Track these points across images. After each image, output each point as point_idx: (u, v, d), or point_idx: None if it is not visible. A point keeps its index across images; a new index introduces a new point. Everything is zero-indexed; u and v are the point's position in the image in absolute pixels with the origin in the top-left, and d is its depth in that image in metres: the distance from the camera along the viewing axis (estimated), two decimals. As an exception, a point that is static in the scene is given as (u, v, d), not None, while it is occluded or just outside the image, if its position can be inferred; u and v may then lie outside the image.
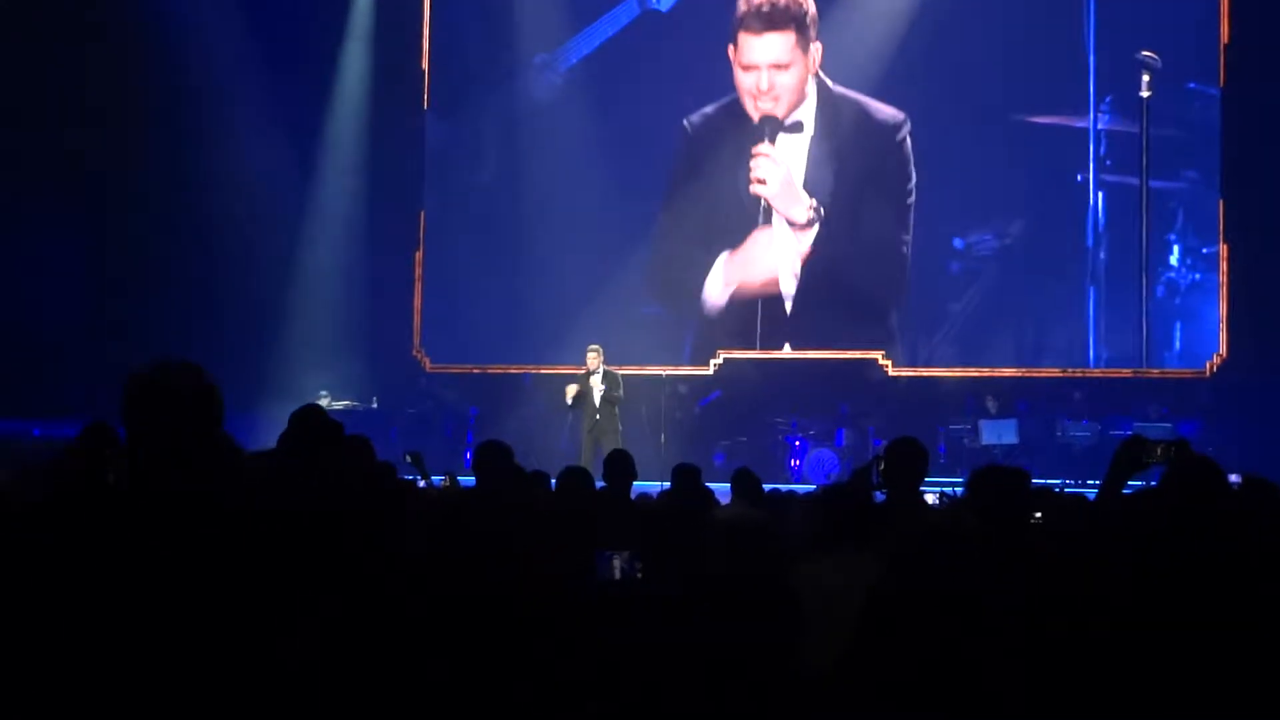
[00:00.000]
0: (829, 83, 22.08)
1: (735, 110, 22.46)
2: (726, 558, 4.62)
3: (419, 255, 23.75)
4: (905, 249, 21.95)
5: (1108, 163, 21.63)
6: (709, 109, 22.68)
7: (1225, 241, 21.09)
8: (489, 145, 23.82)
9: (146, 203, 21.96)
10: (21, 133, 20.96)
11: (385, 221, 23.42)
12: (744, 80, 22.24)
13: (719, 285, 22.41)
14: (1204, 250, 21.42)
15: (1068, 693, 3.77)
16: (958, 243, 22.08)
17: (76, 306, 21.30)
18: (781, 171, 22.01)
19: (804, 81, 22.07)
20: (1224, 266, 21.11)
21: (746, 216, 22.28)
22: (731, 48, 22.32)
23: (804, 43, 22.05)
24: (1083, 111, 21.70)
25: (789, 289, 22.16)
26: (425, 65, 23.89)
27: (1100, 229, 21.61)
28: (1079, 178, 21.71)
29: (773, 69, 22.07)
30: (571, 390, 18.68)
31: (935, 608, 3.63)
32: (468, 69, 23.90)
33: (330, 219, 23.11)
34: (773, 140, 22.06)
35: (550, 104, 23.43)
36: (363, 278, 23.18)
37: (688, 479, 9.00)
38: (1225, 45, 21.17)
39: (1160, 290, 21.45)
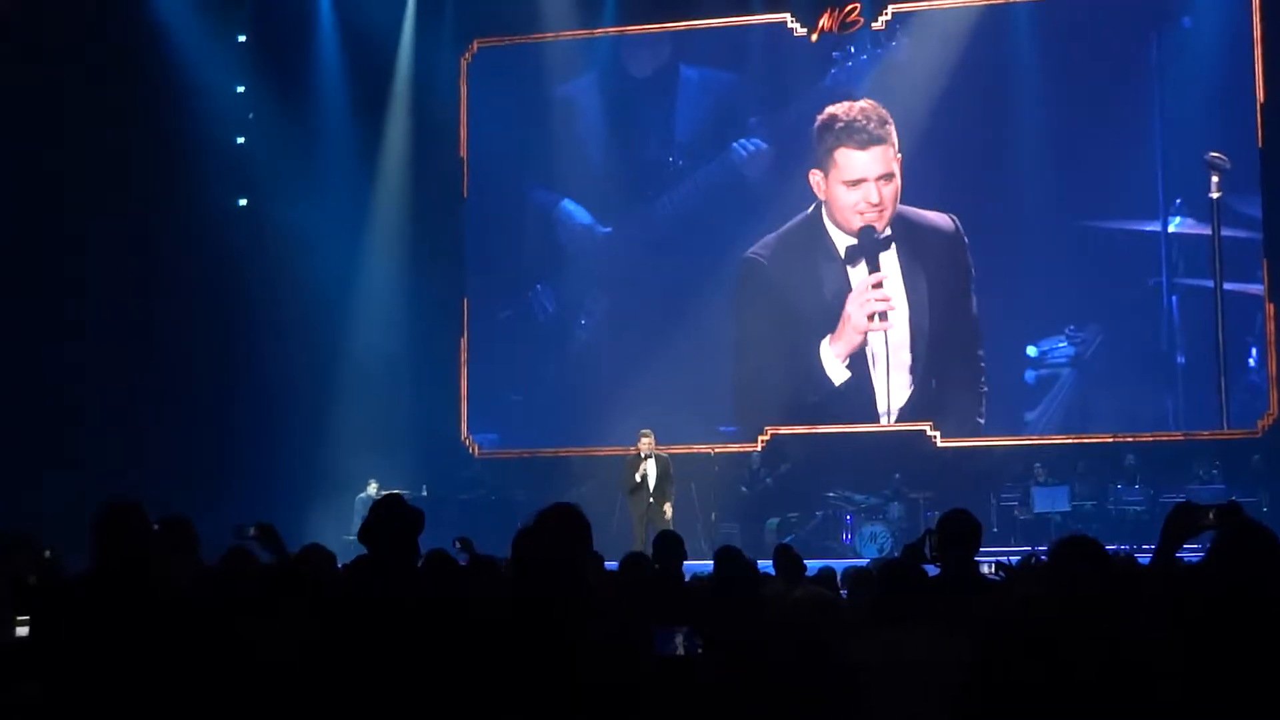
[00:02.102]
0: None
1: (808, 230, 22.54)
2: (797, 633, 4.60)
3: (464, 341, 23.83)
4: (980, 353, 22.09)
5: (1180, 266, 21.58)
6: (771, 237, 22.80)
7: (1271, 300, 20.97)
8: (531, 233, 23.98)
9: (190, 293, 22.11)
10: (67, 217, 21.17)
11: (429, 308, 23.53)
12: (846, 197, 22.24)
13: (836, 366, 22.43)
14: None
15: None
16: (1032, 350, 22.02)
17: (126, 406, 21.42)
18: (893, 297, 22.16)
19: (898, 193, 22.21)
20: (1271, 325, 20.97)
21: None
22: (818, 171, 22.43)
23: (895, 151, 22.26)
24: (1153, 214, 21.68)
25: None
26: (464, 153, 24.06)
27: (1175, 333, 21.54)
28: (1151, 282, 21.66)
29: (880, 181, 22.18)
30: (639, 473, 18.62)
31: (1038, 686, 3.61)
32: (506, 159, 24.07)
33: (375, 307, 23.21)
34: (872, 258, 22.10)
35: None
36: (408, 365, 23.25)
37: (729, 562, 8.95)
38: (1262, 104, 21.13)
39: (1238, 398, 21.30)
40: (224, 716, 4.66)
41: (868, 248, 22.11)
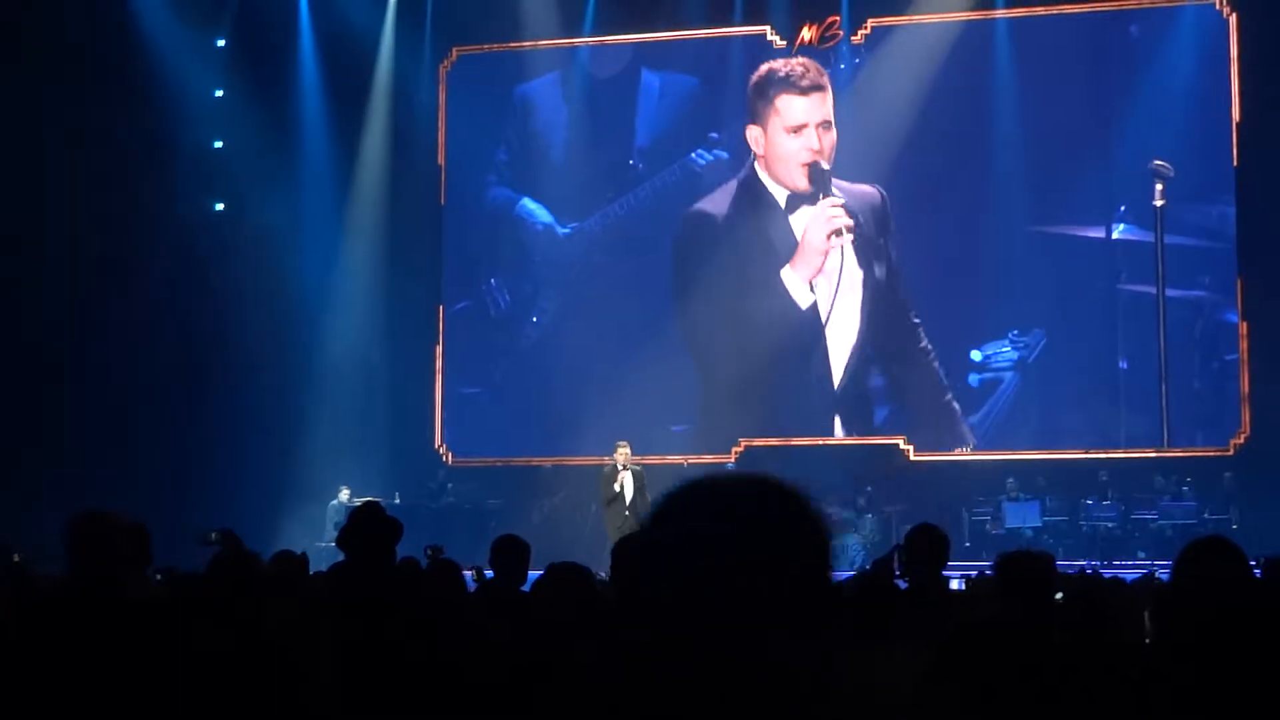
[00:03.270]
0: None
1: (746, 187, 22.75)
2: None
3: (439, 349, 23.83)
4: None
5: (1123, 273, 21.72)
6: (717, 195, 22.87)
7: (1245, 319, 21.06)
8: (504, 238, 24.00)
9: (165, 297, 22.06)
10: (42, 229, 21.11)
11: (405, 315, 23.51)
12: (788, 144, 22.39)
13: (800, 289, 22.52)
14: (1226, 357, 21.41)
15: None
16: (976, 355, 22.10)
17: (101, 412, 21.35)
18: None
19: (834, 147, 22.37)
20: (1244, 344, 21.07)
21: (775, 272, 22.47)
22: (755, 127, 22.53)
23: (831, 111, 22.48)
24: (1098, 221, 21.84)
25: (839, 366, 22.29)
26: (442, 162, 24.06)
27: (1119, 338, 21.67)
28: (1098, 287, 21.79)
29: (820, 128, 22.31)
30: (616, 484, 18.56)
31: (989, 703, 3.61)
32: (483, 167, 24.10)
33: (350, 313, 23.18)
34: (825, 189, 22.24)
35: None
36: (383, 371, 23.23)
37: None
38: (1238, 123, 21.24)
39: (1178, 404, 21.40)
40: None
41: (818, 181, 22.23)
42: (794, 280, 22.36)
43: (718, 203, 22.88)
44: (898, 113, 22.18)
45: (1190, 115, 21.50)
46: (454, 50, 24.11)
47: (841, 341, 22.25)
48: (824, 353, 22.29)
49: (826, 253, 22.21)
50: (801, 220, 22.34)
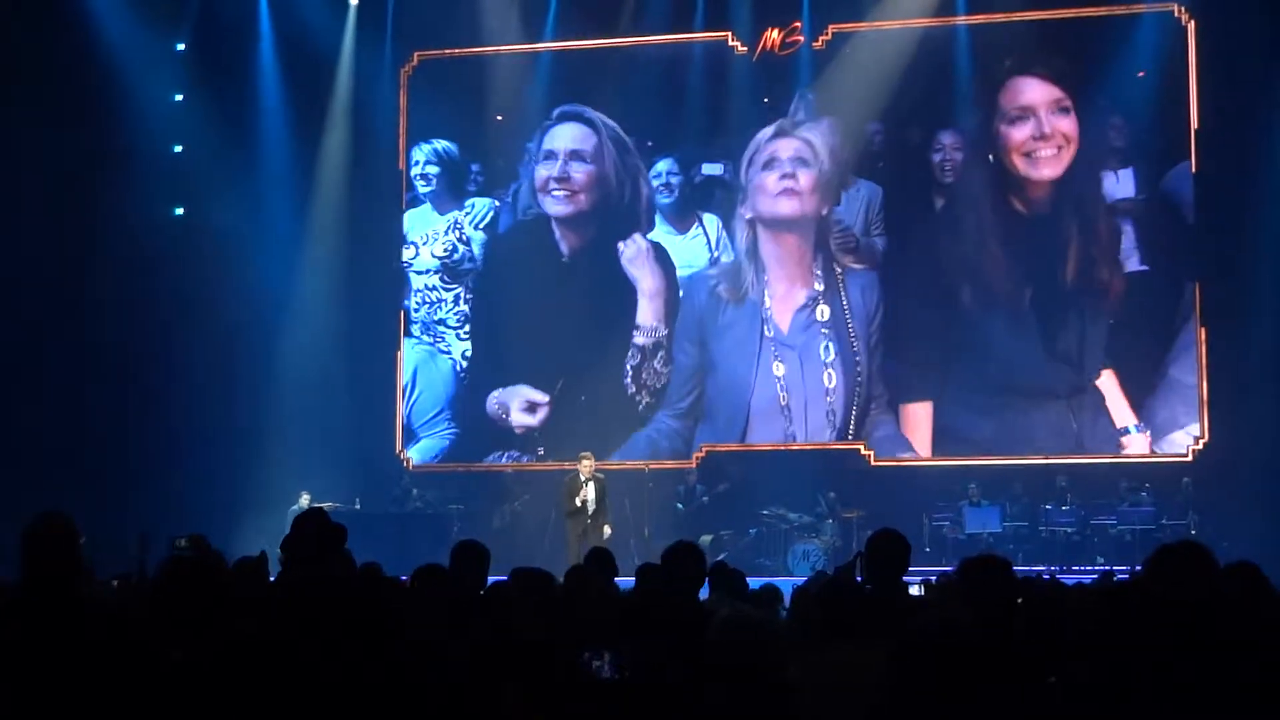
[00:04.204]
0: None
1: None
2: (726, 655, 4.61)
3: (399, 355, 23.78)
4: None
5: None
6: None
7: (1203, 324, 21.18)
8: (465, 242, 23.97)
9: (124, 301, 21.93)
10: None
11: (366, 321, 23.46)
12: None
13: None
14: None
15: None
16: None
17: (61, 417, 21.24)
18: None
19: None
20: (1202, 350, 21.18)
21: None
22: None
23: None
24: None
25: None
26: (402, 166, 24.02)
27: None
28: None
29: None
30: (579, 497, 18.51)
31: (942, 706, 3.63)
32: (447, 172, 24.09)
33: (311, 319, 23.09)
34: None
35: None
36: (343, 377, 23.16)
37: (652, 577, 8.93)
38: (1196, 130, 21.37)
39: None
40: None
41: None
42: None
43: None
44: (857, 118, 22.32)
45: (1150, 122, 21.61)
46: (415, 55, 24.07)
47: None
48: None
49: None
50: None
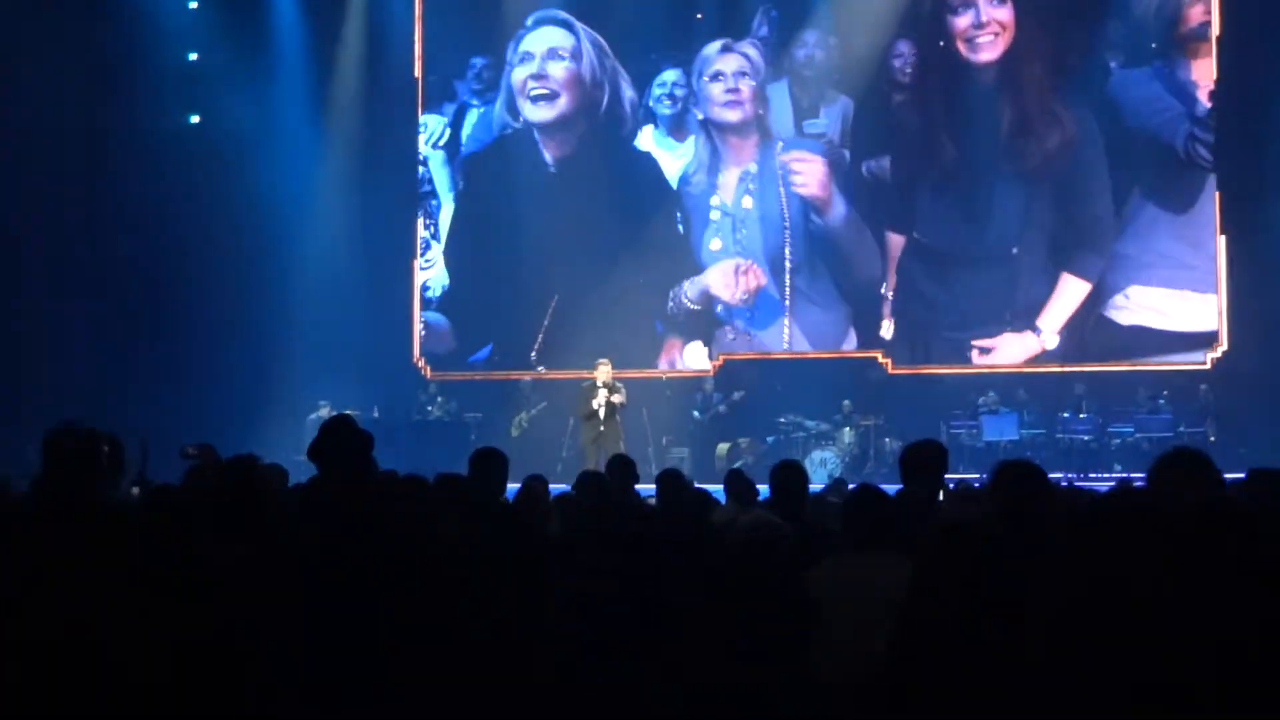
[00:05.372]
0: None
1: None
2: (747, 561, 4.62)
3: (416, 263, 23.76)
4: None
5: None
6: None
7: (1223, 232, 21.06)
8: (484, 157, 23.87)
9: (140, 211, 21.91)
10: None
11: (382, 229, 23.42)
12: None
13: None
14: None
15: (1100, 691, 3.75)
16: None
17: (80, 326, 21.28)
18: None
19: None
20: (1222, 259, 21.07)
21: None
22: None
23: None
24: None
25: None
26: (418, 73, 23.89)
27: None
28: None
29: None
30: (598, 400, 18.54)
31: (966, 607, 3.62)
32: (460, 76, 23.96)
33: (327, 227, 23.04)
34: None
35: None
36: (361, 286, 23.13)
37: (671, 485, 8.97)
38: (1218, 37, 21.16)
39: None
40: (162, 635, 4.64)
41: None
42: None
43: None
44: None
45: (1167, 33, 21.41)
46: (431, -40, 23.92)
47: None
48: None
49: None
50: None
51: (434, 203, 23.93)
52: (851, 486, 7.62)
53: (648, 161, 23.24)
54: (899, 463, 7.05)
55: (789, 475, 7.98)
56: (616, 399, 18.36)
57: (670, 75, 23.14)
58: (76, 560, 4.74)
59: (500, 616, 4.90)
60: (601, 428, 18.35)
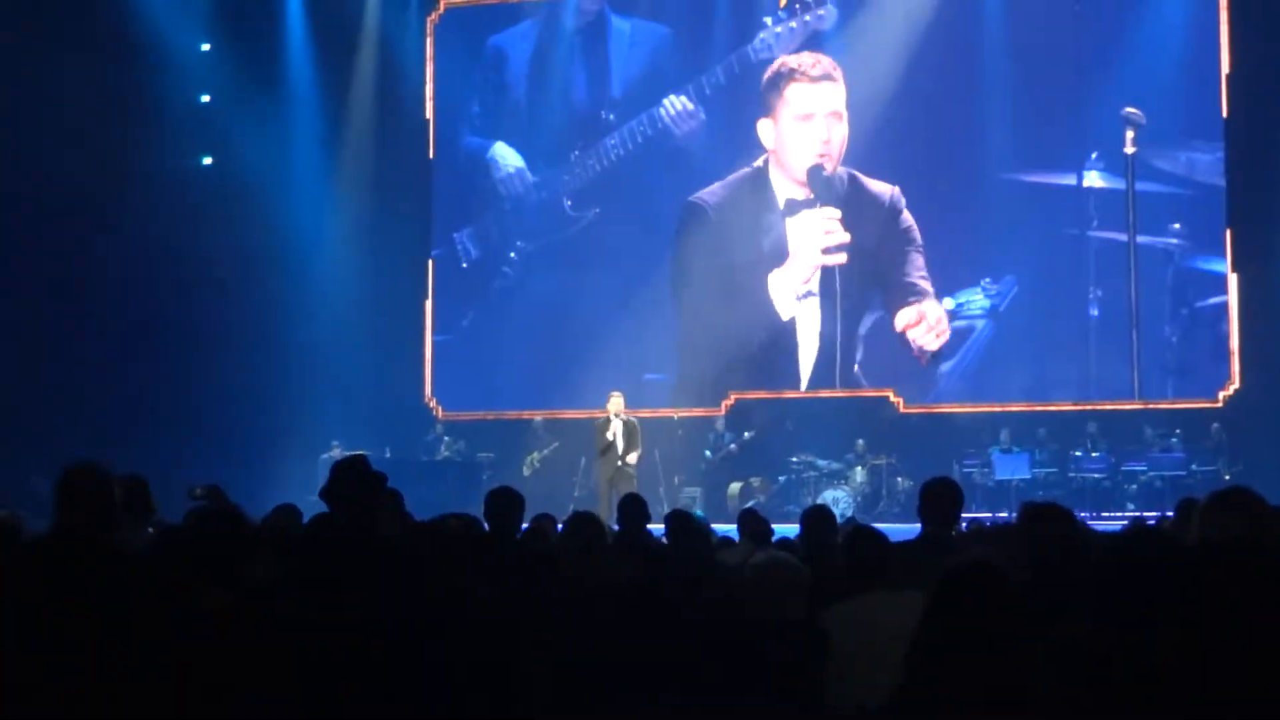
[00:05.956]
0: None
1: (752, 181, 22.62)
2: (760, 601, 4.61)
3: (428, 304, 23.81)
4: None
5: (1095, 221, 21.62)
6: (717, 185, 22.83)
7: (1234, 270, 21.04)
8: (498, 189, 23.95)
9: (153, 251, 21.94)
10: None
11: (394, 270, 23.49)
12: (795, 133, 22.35)
13: (785, 299, 22.50)
14: (1197, 304, 21.37)
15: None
16: (949, 303, 22.02)
17: (91, 365, 21.31)
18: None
19: (845, 144, 22.30)
20: (1233, 296, 21.04)
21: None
22: (767, 120, 22.48)
23: (843, 106, 22.37)
24: (1069, 169, 21.75)
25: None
26: (430, 115, 23.99)
27: (1093, 284, 21.63)
28: (1071, 233, 21.65)
29: (831, 118, 22.27)
30: (610, 433, 18.56)
31: (976, 647, 3.61)
32: (471, 118, 24.07)
33: (339, 268, 23.15)
34: (824, 196, 22.16)
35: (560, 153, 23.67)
36: (372, 326, 23.17)
37: (680, 525, 8.96)
38: (1227, 75, 21.17)
39: (1149, 353, 21.38)
40: (175, 679, 4.64)
41: (816, 186, 22.15)
42: (780, 288, 22.38)
43: (716, 194, 22.82)
44: (866, 61, 22.19)
45: (1177, 64, 21.36)
46: (441, 2, 24.01)
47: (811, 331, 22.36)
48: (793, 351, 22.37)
49: (817, 267, 22.19)
50: (797, 227, 22.34)
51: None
52: (843, 523, 7.68)
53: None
54: (919, 499, 7.02)
55: (821, 519, 7.95)
56: (625, 417, 18.45)
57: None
58: (83, 605, 4.74)
59: (506, 660, 4.90)
60: (619, 463, 18.35)
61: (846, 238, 22.00)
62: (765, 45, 22.83)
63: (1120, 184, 21.39)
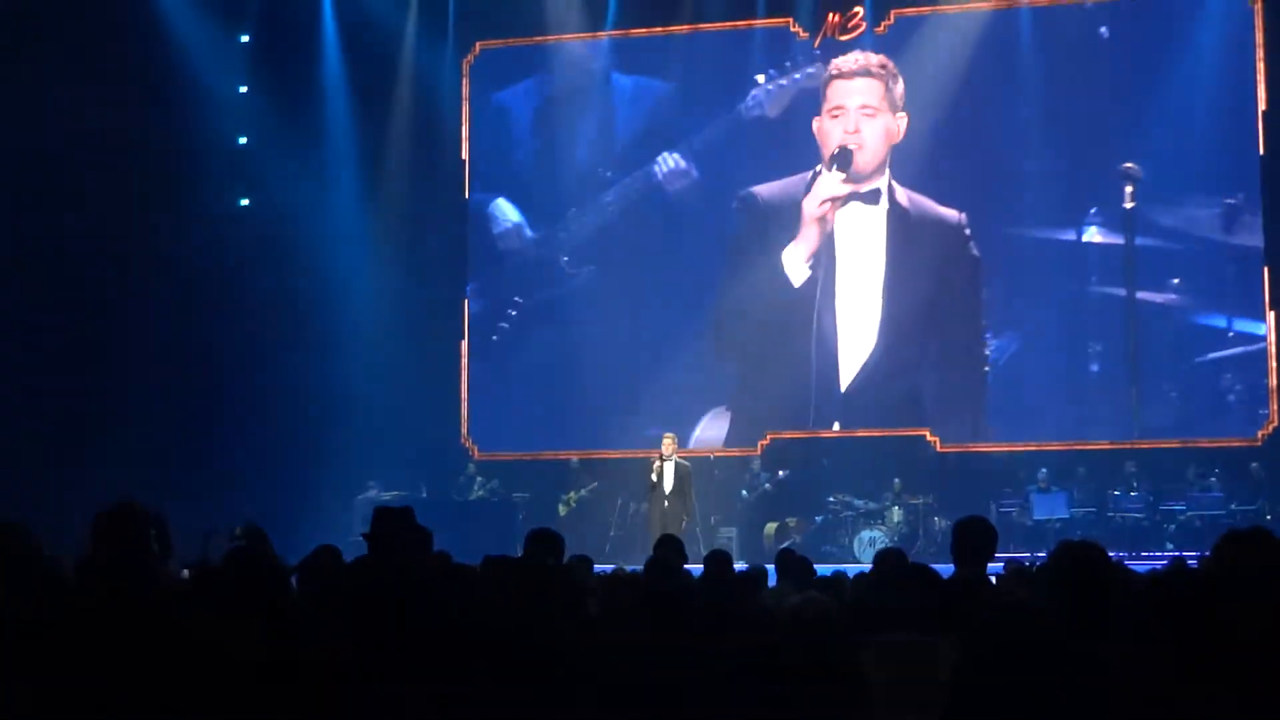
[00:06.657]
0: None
1: (802, 187, 22.60)
2: (795, 642, 4.59)
3: (464, 344, 23.84)
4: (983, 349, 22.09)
5: (1092, 277, 21.61)
6: (774, 184, 22.79)
7: (1273, 308, 20.93)
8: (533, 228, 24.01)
9: (190, 292, 22.04)
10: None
11: (430, 310, 23.55)
12: (830, 129, 22.38)
13: (797, 267, 22.50)
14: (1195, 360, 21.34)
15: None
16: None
17: (131, 407, 21.39)
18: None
19: (885, 144, 22.21)
20: (1272, 335, 20.93)
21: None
22: (818, 119, 22.52)
23: (890, 101, 22.21)
24: (1067, 224, 21.77)
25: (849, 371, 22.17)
26: (465, 155, 24.07)
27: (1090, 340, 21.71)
28: (1068, 290, 21.75)
29: (861, 112, 22.26)
30: (655, 471, 18.55)
31: (1016, 692, 3.59)
32: (508, 159, 24.17)
33: (375, 307, 23.16)
34: (844, 167, 22.19)
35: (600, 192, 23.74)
36: (408, 366, 23.18)
37: (719, 566, 8.93)
38: (1264, 112, 21.10)
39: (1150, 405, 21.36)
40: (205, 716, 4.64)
41: (841, 161, 22.21)
42: (792, 258, 22.38)
43: (772, 189, 22.83)
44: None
45: (1207, 107, 21.29)
46: (476, 44, 24.10)
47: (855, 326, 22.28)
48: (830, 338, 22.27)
49: (821, 221, 22.17)
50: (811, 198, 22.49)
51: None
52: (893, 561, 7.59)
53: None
54: (952, 538, 6.94)
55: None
56: (677, 459, 18.45)
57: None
58: (120, 644, 4.73)
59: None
60: (665, 503, 18.32)
61: (841, 191, 22.14)
62: (756, 102, 22.89)
63: (1117, 239, 21.47)
